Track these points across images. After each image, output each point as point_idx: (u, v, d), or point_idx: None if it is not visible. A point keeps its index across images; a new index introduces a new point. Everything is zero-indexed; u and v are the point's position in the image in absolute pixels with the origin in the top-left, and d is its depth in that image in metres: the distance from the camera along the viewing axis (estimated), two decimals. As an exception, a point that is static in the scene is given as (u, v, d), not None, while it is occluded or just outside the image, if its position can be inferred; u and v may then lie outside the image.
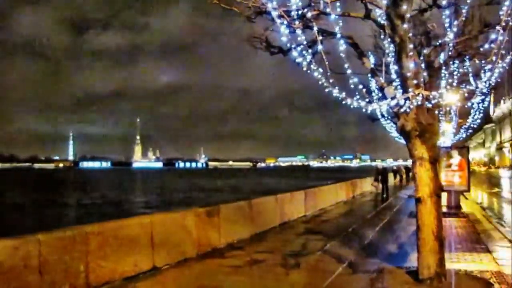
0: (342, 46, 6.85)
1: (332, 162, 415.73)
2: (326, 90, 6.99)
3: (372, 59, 8.41)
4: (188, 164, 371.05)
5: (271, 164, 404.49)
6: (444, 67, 8.85)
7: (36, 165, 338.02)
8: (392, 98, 7.41)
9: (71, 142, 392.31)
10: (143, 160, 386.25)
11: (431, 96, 7.38)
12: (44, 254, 6.44)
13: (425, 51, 8.30)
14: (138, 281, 7.77)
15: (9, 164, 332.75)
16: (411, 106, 7.25)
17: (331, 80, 6.90)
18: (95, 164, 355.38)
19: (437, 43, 8.28)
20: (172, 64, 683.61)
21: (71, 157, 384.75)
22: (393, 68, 7.57)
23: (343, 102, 7.21)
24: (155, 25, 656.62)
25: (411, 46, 7.13)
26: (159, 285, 7.77)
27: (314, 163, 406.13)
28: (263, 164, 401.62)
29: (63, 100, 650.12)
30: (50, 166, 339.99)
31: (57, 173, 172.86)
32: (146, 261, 8.30)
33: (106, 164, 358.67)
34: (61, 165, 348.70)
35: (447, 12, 7.42)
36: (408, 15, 6.88)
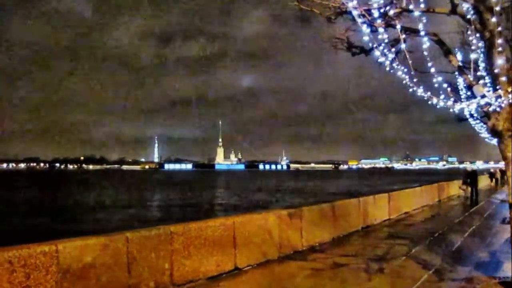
0: (426, 43, 6.61)
1: (416, 164, 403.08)
2: (410, 90, 6.78)
3: (459, 56, 8.04)
4: (270, 166, 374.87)
5: (353, 166, 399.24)
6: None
7: (124, 167, 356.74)
8: (482, 97, 7.02)
9: (156, 144, 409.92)
10: (225, 162, 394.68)
11: (525, 94, 6.92)
12: (132, 252, 6.74)
13: (519, 45, 7.79)
14: (221, 280, 7.92)
15: (99, 165, 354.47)
16: (503, 105, 6.84)
17: (415, 79, 6.68)
18: (179, 166, 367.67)
19: (532, 37, 7.74)
20: (252, 69, 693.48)
21: (156, 159, 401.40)
22: (483, 65, 7.19)
23: (429, 102, 6.95)
24: (234, 33, 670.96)
25: (502, 41, 6.73)
26: (241, 285, 7.87)
27: (398, 165, 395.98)
28: (345, 166, 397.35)
29: (149, 105, 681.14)
30: (137, 167, 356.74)
31: (144, 174, 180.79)
32: (228, 261, 8.45)
33: (189, 166, 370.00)
34: (147, 167, 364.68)
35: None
36: (498, 8, 6.49)
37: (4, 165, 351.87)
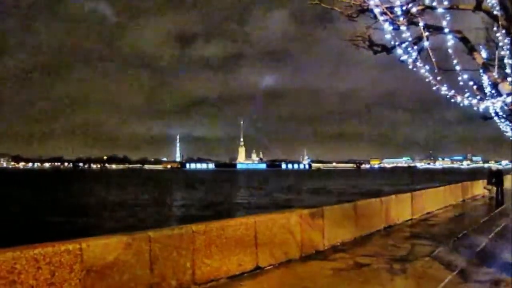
0: (450, 41, 6.50)
1: (440, 163, 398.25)
2: (434, 88, 6.69)
3: (484, 54, 7.89)
4: (292, 165, 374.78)
5: (375, 166, 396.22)
6: None
7: (146, 166, 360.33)
8: (508, 95, 6.88)
9: (178, 144, 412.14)
10: (247, 161, 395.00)
11: (553, 92, 6.76)
12: (154, 250, 6.79)
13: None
14: (242, 280, 7.92)
15: (122, 165, 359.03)
16: (530, 103, 6.70)
17: (438, 78, 6.59)
18: (201, 166, 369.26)
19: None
20: (272, 69, 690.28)
21: (178, 159, 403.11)
22: (509, 62, 7.05)
23: (452, 100, 6.85)
24: (254, 33, 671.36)
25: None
26: (263, 285, 7.86)
27: (421, 165, 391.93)
28: (367, 166, 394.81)
29: (171, 105, 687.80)
30: (159, 167, 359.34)
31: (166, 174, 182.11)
32: (250, 260, 8.45)
33: (211, 166, 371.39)
34: (168, 166, 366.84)
35: None
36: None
37: (30, 164, 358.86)
